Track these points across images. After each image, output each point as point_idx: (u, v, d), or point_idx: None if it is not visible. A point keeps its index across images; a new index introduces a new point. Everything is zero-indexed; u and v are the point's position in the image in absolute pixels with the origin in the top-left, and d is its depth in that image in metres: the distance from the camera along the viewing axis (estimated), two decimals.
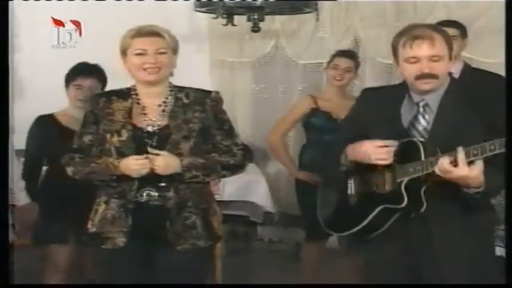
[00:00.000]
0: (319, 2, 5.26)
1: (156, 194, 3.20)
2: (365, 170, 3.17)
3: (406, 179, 3.01)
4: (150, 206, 3.21)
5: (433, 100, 3.09)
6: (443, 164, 2.82)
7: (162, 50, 3.22)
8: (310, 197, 3.92)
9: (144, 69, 3.22)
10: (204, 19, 6.13)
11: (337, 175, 3.24)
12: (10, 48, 3.64)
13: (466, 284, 3.08)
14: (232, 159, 3.29)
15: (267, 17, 5.17)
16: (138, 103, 3.29)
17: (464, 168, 2.80)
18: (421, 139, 3.04)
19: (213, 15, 5.18)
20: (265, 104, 6.61)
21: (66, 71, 4.37)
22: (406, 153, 3.02)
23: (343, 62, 4.81)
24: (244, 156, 3.34)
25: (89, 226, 3.31)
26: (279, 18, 6.23)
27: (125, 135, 3.21)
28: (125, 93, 3.32)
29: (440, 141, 2.96)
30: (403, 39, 3.06)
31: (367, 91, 3.45)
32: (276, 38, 6.51)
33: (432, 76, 3.01)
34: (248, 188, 5.69)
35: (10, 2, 3.42)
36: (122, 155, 3.19)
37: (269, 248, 6.61)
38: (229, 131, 3.35)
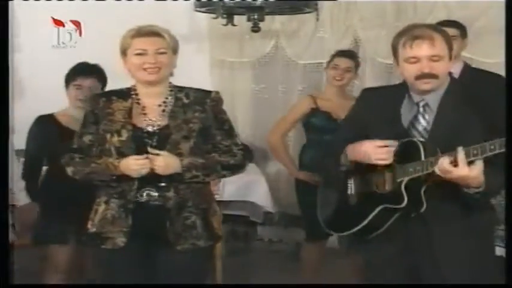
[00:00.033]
0: (319, 2, 5.26)
1: (156, 194, 3.20)
2: (365, 170, 3.17)
3: (406, 179, 3.01)
4: (150, 206, 3.21)
5: (433, 100, 3.09)
6: (443, 164, 2.82)
7: (162, 50, 3.22)
8: (310, 197, 3.92)
9: (144, 69, 3.22)
10: (204, 19, 6.13)
11: (337, 175, 3.24)
12: (10, 48, 3.64)
13: (466, 284, 3.08)
14: (232, 159, 3.29)
15: (267, 17, 5.17)
16: (138, 103, 3.29)
17: (464, 168, 2.80)
18: (421, 139, 3.04)
19: (213, 15, 5.19)
20: (265, 104, 6.61)
21: (66, 71, 4.37)
22: (406, 153, 3.02)
23: (343, 62, 4.82)
24: (244, 156, 3.34)
25: (89, 226, 3.31)
26: (279, 18, 6.23)
27: (125, 135, 3.21)
28: (125, 93, 3.32)
29: (440, 141, 2.96)
30: (403, 39, 3.06)
31: (366, 91, 3.45)
32: (276, 38, 6.51)
33: (432, 76, 3.01)
34: (248, 188, 5.69)
35: (10, 2, 3.42)
36: (122, 155, 3.19)
37: (269, 248, 6.61)
38: (229, 131, 3.35)
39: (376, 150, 3.04)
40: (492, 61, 5.42)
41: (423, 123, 3.09)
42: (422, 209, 3.00)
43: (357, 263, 4.36)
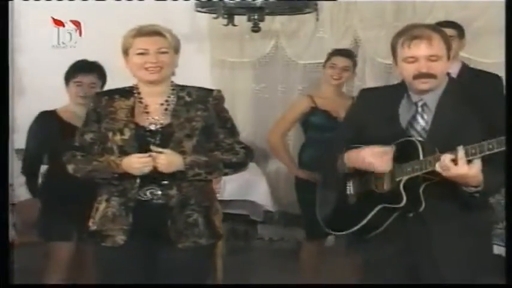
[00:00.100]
0: (318, 3, 5.26)
1: (160, 192, 3.21)
2: (364, 170, 3.17)
3: (404, 178, 3.02)
4: (152, 204, 3.21)
5: (432, 100, 3.11)
6: (445, 160, 2.84)
7: (163, 50, 3.22)
8: (310, 195, 3.92)
9: (146, 69, 3.22)
10: (204, 19, 6.14)
11: (336, 174, 3.24)
12: (10, 48, 3.65)
13: (466, 284, 3.09)
14: (235, 157, 3.30)
15: (267, 17, 5.18)
16: (141, 102, 3.30)
17: (464, 167, 2.81)
18: (420, 139, 3.05)
19: (214, 16, 5.20)
20: (265, 104, 6.65)
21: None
22: (404, 153, 3.03)
23: (341, 61, 4.83)
24: (246, 155, 3.35)
25: (90, 224, 3.32)
26: (279, 19, 6.25)
27: (127, 133, 3.22)
28: (127, 92, 3.33)
29: (438, 141, 2.97)
30: (401, 39, 3.08)
31: (365, 91, 3.48)
32: (276, 38, 6.53)
33: (430, 76, 3.03)
34: (248, 187, 5.71)
35: (10, 2, 3.43)
36: (124, 153, 3.19)
37: (269, 247, 6.62)
38: (232, 130, 3.36)
39: (375, 159, 3.04)
40: (490, 61, 5.44)
41: (422, 123, 3.10)
42: (421, 208, 3.01)
43: (356, 262, 4.36)
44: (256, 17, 4.98)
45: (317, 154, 4.24)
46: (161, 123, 3.25)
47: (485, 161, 2.83)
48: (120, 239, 3.21)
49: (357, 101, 3.43)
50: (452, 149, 2.87)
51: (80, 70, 4.33)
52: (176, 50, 3.29)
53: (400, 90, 3.19)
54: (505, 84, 2.88)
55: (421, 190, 3.00)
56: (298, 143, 5.42)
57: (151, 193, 3.21)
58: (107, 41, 4.12)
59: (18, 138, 4.25)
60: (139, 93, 3.31)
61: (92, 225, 3.30)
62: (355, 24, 6.18)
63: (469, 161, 2.82)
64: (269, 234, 6.71)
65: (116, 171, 3.18)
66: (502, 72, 4.29)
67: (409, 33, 3.06)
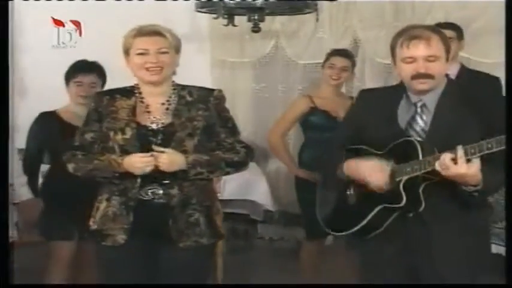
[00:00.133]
0: (318, 3, 5.27)
1: (161, 191, 3.21)
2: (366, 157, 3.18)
3: (404, 178, 3.03)
4: (152, 203, 3.22)
5: (431, 101, 3.12)
6: (446, 159, 2.85)
7: (163, 50, 3.23)
8: (310, 195, 3.93)
9: (147, 69, 3.23)
10: (204, 19, 6.15)
11: (335, 175, 3.24)
12: (10, 48, 3.65)
13: (466, 284, 3.09)
14: (236, 156, 3.31)
15: (267, 18, 5.19)
16: (142, 101, 3.31)
17: (463, 166, 2.83)
18: (419, 139, 3.07)
19: (214, 16, 5.21)
20: (265, 103, 6.67)
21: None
22: (404, 153, 3.04)
23: (340, 61, 4.84)
24: (247, 154, 3.36)
25: (90, 223, 3.32)
26: (279, 19, 6.26)
27: (129, 133, 3.23)
28: (129, 92, 3.33)
29: (438, 142, 2.98)
30: (400, 39, 3.09)
31: (364, 92, 3.50)
32: (276, 38, 6.55)
33: (428, 76, 3.04)
34: (249, 186, 5.72)
35: (10, 2, 3.44)
36: (125, 152, 3.20)
37: (269, 246, 6.63)
38: (233, 129, 3.37)
39: (371, 174, 3.07)
40: (490, 61, 5.45)
41: (421, 123, 3.12)
42: (421, 208, 3.02)
43: (356, 261, 4.36)
44: (256, 17, 4.99)
45: (317, 154, 4.25)
46: (163, 123, 3.26)
47: (484, 160, 2.85)
48: (121, 238, 3.22)
49: (356, 102, 3.45)
50: (451, 149, 2.88)
51: (80, 70, 4.34)
52: (177, 49, 3.30)
53: (399, 91, 3.20)
54: (505, 84, 2.89)
55: (420, 190, 3.01)
56: (298, 143, 5.43)
57: (152, 192, 3.22)
58: (107, 41, 4.12)
59: (20, 138, 4.26)
60: (140, 92, 3.32)
61: (93, 225, 3.31)
62: (354, 24, 6.18)
63: (468, 160, 2.83)
64: (269, 233, 6.72)
65: (117, 170, 3.18)
66: (501, 72, 4.31)
67: (408, 33, 3.08)
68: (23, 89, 5.98)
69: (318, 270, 4.91)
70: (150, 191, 3.21)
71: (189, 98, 3.31)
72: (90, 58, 4.42)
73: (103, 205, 3.28)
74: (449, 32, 4.37)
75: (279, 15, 5.70)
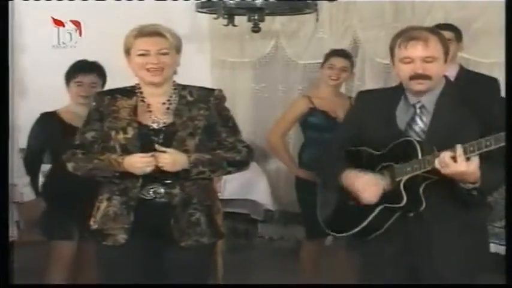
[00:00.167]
0: (318, 3, 5.28)
1: (163, 191, 3.22)
2: (363, 170, 3.19)
3: (404, 178, 3.04)
4: (154, 202, 3.23)
5: (430, 102, 3.14)
6: (445, 157, 2.87)
7: (164, 51, 3.23)
8: (310, 195, 3.92)
9: (147, 70, 3.24)
10: (205, 19, 6.16)
11: (336, 183, 3.25)
12: (10, 48, 3.65)
13: (466, 284, 3.10)
14: (238, 156, 3.32)
15: (267, 18, 5.20)
16: (143, 101, 3.31)
17: (462, 164, 2.84)
18: (418, 139, 3.08)
19: (214, 16, 5.22)
20: (265, 103, 6.68)
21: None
22: (403, 153, 3.06)
23: (339, 62, 4.84)
24: (248, 153, 3.37)
25: (91, 223, 3.33)
26: (279, 19, 6.27)
27: (131, 132, 3.23)
28: (130, 92, 3.34)
29: (437, 142, 3.00)
30: (399, 40, 3.12)
31: (362, 93, 3.52)
32: (276, 38, 6.56)
33: (425, 77, 3.06)
34: (249, 186, 5.73)
35: (10, 2, 3.44)
36: (126, 152, 3.21)
37: (270, 246, 6.64)
38: (234, 128, 3.38)
39: (364, 188, 3.09)
40: (489, 61, 5.45)
41: (420, 124, 3.13)
42: (422, 208, 3.04)
43: (356, 261, 4.36)
44: (256, 17, 5.00)
45: (317, 154, 4.25)
46: (164, 122, 3.27)
47: (482, 158, 2.86)
48: (122, 237, 3.22)
49: (354, 104, 3.48)
50: (450, 149, 2.89)
51: (80, 70, 4.35)
52: (177, 49, 3.30)
53: (397, 92, 3.22)
54: (505, 85, 2.90)
55: (421, 189, 3.03)
56: (298, 143, 5.43)
57: (154, 192, 3.22)
58: (107, 41, 4.13)
59: (22, 138, 4.26)
60: (141, 92, 3.33)
61: (93, 224, 3.31)
62: (354, 24, 6.19)
63: (468, 158, 2.85)
64: (269, 233, 6.73)
65: (117, 169, 3.18)
66: (500, 72, 4.32)
67: (407, 34, 3.10)
68: (23, 89, 5.98)
69: (318, 270, 4.91)
70: (151, 190, 3.22)
71: (189, 98, 3.32)
72: (90, 58, 4.42)
73: (104, 205, 3.28)
74: (448, 33, 4.39)
75: (279, 15, 5.71)
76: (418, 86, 3.08)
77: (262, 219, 6.28)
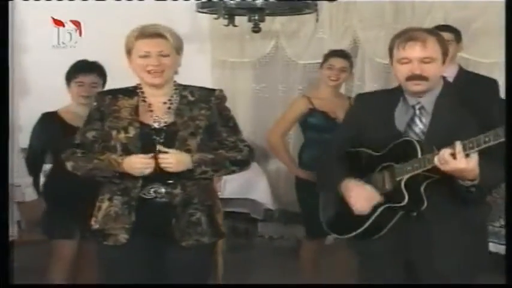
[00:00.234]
0: (318, 3, 5.28)
1: (164, 190, 3.22)
2: (364, 171, 3.20)
3: (405, 177, 3.06)
4: (155, 202, 3.23)
5: (429, 103, 3.16)
6: (445, 154, 2.88)
7: (165, 53, 3.24)
8: (310, 195, 3.93)
9: (148, 72, 3.24)
10: (205, 20, 6.16)
11: (334, 185, 3.25)
12: (10, 48, 3.65)
13: (466, 284, 3.11)
14: (240, 155, 3.33)
15: (268, 18, 5.21)
16: (144, 101, 3.32)
17: (462, 160, 2.86)
18: (418, 139, 3.09)
19: (215, 16, 5.22)
20: (265, 103, 6.69)
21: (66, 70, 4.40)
22: (403, 153, 3.08)
23: (338, 62, 4.84)
24: (249, 152, 3.38)
25: (92, 223, 3.34)
26: (279, 19, 6.28)
27: (132, 132, 3.24)
28: (131, 92, 3.35)
29: (436, 143, 3.01)
30: (397, 41, 3.14)
31: (361, 96, 3.55)
32: (276, 38, 6.57)
33: (422, 78, 3.08)
34: (249, 185, 5.74)
35: (10, 2, 3.44)
36: (127, 151, 3.21)
37: (270, 245, 6.64)
38: (234, 128, 3.39)
39: (359, 200, 3.13)
40: (489, 61, 5.46)
41: (420, 125, 3.16)
42: (423, 207, 3.05)
43: (356, 260, 4.36)
44: (256, 17, 5.01)
45: (317, 154, 4.26)
46: (165, 122, 3.27)
47: (481, 155, 2.87)
48: (123, 237, 3.23)
49: (353, 106, 3.51)
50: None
51: (81, 70, 4.36)
52: (178, 50, 3.31)
53: (395, 94, 3.24)
54: (505, 85, 2.90)
55: (422, 188, 3.04)
56: (298, 143, 5.44)
57: (155, 191, 3.23)
58: (107, 41, 4.13)
59: (24, 138, 4.27)
60: (142, 92, 3.34)
61: (94, 224, 3.32)
62: (354, 24, 6.19)
63: (467, 155, 2.86)
64: (269, 232, 6.74)
65: (116, 170, 3.18)
66: (500, 72, 4.32)
67: (406, 35, 3.13)
68: (25, 89, 5.98)
69: (318, 270, 4.91)
70: (152, 189, 3.23)
71: (190, 98, 3.33)
72: (90, 58, 4.43)
73: (105, 204, 3.29)
74: (447, 34, 4.40)
75: (279, 15, 5.72)
76: (415, 86, 3.10)
77: (262, 218, 6.29)
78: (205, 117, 3.29)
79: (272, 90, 6.68)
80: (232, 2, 4.93)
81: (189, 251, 3.25)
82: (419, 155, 3.01)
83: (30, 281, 4.21)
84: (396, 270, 3.20)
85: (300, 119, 4.92)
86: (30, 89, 6.03)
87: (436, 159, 2.91)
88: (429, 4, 5.84)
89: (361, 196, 3.12)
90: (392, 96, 3.24)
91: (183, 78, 3.39)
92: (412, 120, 3.15)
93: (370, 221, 3.15)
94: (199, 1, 5.21)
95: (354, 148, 3.28)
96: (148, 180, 3.21)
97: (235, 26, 5.20)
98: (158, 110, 3.30)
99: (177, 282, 3.31)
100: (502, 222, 4.96)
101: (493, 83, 4.64)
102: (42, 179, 4.40)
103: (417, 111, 3.15)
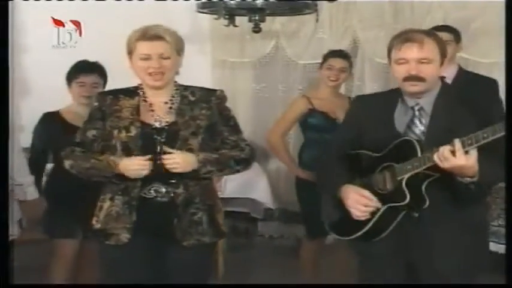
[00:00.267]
0: (318, 3, 5.28)
1: (164, 190, 3.23)
2: (364, 172, 3.21)
3: (406, 176, 3.07)
4: (155, 202, 3.24)
5: (428, 104, 3.18)
6: (444, 151, 2.89)
7: (165, 55, 3.24)
8: (310, 194, 3.93)
9: (149, 74, 3.25)
10: (206, 20, 6.17)
11: (334, 190, 3.26)
12: (10, 48, 3.65)
13: (466, 284, 3.11)
14: (243, 154, 3.34)
15: (268, 18, 5.22)
16: (145, 101, 3.34)
17: (462, 157, 2.87)
18: (417, 139, 3.09)
19: (215, 16, 5.22)
20: (265, 103, 6.70)
21: (66, 71, 4.41)
22: (403, 152, 3.08)
23: (338, 63, 4.85)
24: (251, 151, 3.39)
25: (94, 222, 3.34)
26: (279, 19, 6.29)
27: (133, 131, 3.25)
28: (132, 92, 3.36)
29: (437, 143, 3.00)
30: (395, 42, 3.16)
31: (359, 98, 3.58)
32: (276, 38, 6.57)
33: (419, 79, 3.09)
34: (249, 185, 5.75)
35: (10, 2, 3.44)
36: (127, 150, 3.22)
37: (270, 244, 6.65)
38: (235, 127, 3.40)
39: (356, 208, 3.14)
40: (488, 61, 5.46)
41: (420, 126, 3.17)
42: (425, 206, 3.05)
43: (356, 260, 4.36)
44: (257, 17, 5.01)
45: (317, 155, 4.26)
46: (166, 121, 3.28)
47: (480, 153, 2.88)
48: (124, 237, 3.24)
49: (352, 108, 3.51)
50: None
51: (82, 70, 4.37)
52: (179, 52, 3.32)
53: (394, 96, 3.26)
54: (505, 85, 2.91)
55: (423, 187, 3.05)
56: (298, 143, 5.44)
57: (155, 191, 3.24)
58: (107, 41, 4.14)
59: (25, 138, 4.28)
60: (143, 92, 3.35)
61: (96, 224, 3.33)
62: (354, 24, 6.20)
63: (466, 152, 2.87)
64: (269, 231, 6.75)
65: (113, 171, 3.19)
66: (499, 72, 4.33)
67: (403, 36, 3.14)
68: (26, 89, 5.98)
69: (318, 269, 4.91)
70: (152, 189, 3.23)
71: (191, 98, 3.34)
72: (90, 58, 4.44)
73: (107, 204, 3.30)
74: (446, 34, 4.41)
75: (279, 15, 5.73)
76: (411, 87, 3.11)
77: (262, 217, 6.30)
78: (206, 116, 3.30)
79: (272, 90, 6.69)
80: (232, 2, 4.94)
81: (190, 251, 3.25)
82: (419, 154, 3.02)
83: (31, 281, 4.22)
84: (396, 270, 3.21)
85: (299, 119, 4.92)
86: (31, 89, 6.04)
87: (435, 156, 2.92)
88: (428, 4, 5.84)
89: (359, 202, 3.13)
90: (391, 97, 3.25)
91: (183, 78, 3.40)
92: (411, 121, 3.17)
93: (372, 222, 3.15)
94: (199, 1, 5.21)
95: (354, 150, 3.29)
96: (148, 179, 3.21)
97: (236, 26, 5.21)
98: (159, 109, 3.31)
99: (178, 282, 3.32)
100: (501, 221, 4.98)
101: (493, 83, 4.64)
102: (44, 178, 4.42)
103: (416, 113, 3.17)
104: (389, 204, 3.12)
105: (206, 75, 6.51)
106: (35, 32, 6.06)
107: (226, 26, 5.18)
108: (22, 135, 4.19)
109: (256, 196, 5.81)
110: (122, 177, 3.21)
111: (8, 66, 3.25)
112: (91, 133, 3.32)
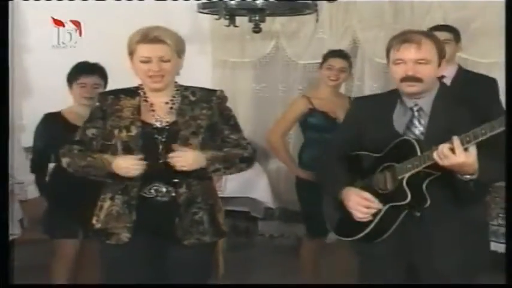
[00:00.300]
0: (318, 3, 5.29)
1: (164, 189, 3.24)
2: (365, 172, 3.22)
3: (406, 175, 3.07)
4: (155, 201, 3.25)
5: (427, 104, 3.18)
6: (443, 149, 2.90)
7: (165, 58, 3.24)
8: (310, 194, 3.93)
9: (149, 77, 3.26)
10: (206, 20, 6.17)
11: (335, 192, 3.26)
12: (10, 48, 3.65)
13: (466, 283, 3.12)
14: (246, 152, 3.36)
15: (268, 18, 5.24)
16: (146, 101, 3.34)
17: (461, 155, 2.87)
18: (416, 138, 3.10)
19: (216, 17, 5.23)
20: (266, 103, 6.71)
21: (66, 71, 4.41)
22: (402, 152, 3.09)
23: (337, 63, 4.85)
24: (253, 149, 3.40)
25: (94, 222, 3.35)
26: (279, 20, 6.30)
27: (134, 131, 3.26)
28: (133, 92, 3.37)
29: (436, 143, 3.00)
30: (394, 42, 3.17)
31: (358, 99, 3.60)
32: (276, 38, 6.59)
33: (416, 79, 3.10)
34: (249, 184, 5.76)
35: (10, 2, 3.44)
36: (128, 149, 3.23)
37: (270, 243, 6.65)
38: (236, 126, 3.41)
39: (358, 210, 3.15)
40: (488, 61, 5.46)
41: (419, 127, 3.18)
42: (427, 204, 3.06)
43: (356, 259, 4.36)
44: (257, 18, 5.03)
45: (317, 154, 4.26)
46: (167, 121, 3.29)
47: (480, 150, 2.88)
48: (125, 236, 3.25)
49: (351, 109, 3.52)
50: None
51: (82, 71, 4.37)
52: (180, 54, 3.32)
53: (393, 97, 3.26)
54: (505, 84, 2.92)
55: (424, 186, 3.06)
56: (298, 143, 5.45)
57: (155, 190, 3.24)
58: (107, 41, 4.14)
59: (26, 138, 4.28)
60: (144, 92, 3.36)
61: (97, 223, 3.33)
62: (354, 24, 6.21)
63: (466, 150, 2.88)
64: (270, 230, 6.76)
65: (107, 169, 3.20)
66: (499, 72, 4.33)
67: (402, 37, 3.15)
68: (27, 89, 5.99)
69: (318, 269, 4.91)
70: (153, 188, 3.24)
71: (192, 98, 3.34)
72: (90, 58, 4.44)
73: (107, 204, 3.30)
74: (446, 34, 4.41)
75: (280, 15, 5.74)
76: (408, 88, 3.12)
77: (263, 217, 6.31)
78: (206, 116, 3.31)
79: (272, 90, 6.70)
80: (233, 2, 4.95)
81: (191, 250, 3.26)
82: (419, 152, 3.03)
83: (31, 280, 4.23)
84: (396, 270, 3.21)
85: (300, 119, 4.92)
86: (31, 89, 6.04)
87: (435, 154, 2.92)
88: (428, 4, 5.85)
89: (360, 204, 3.14)
90: (390, 98, 3.26)
91: (184, 79, 3.40)
92: (411, 122, 3.18)
93: (374, 223, 3.15)
94: (200, 1, 5.22)
95: (354, 151, 3.30)
96: (149, 179, 3.22)
97: (236, 26, 5.21)
98: (160, 109, 3.32)
99: (178, 281, 3.32)
100: (500, 220, 4.99)
101: (492, 82, 4.65)
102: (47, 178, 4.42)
103: (415, 113, 3.17)
104: (390, 204, 3.12)
105: (207, 75, 6.51)
106: (35, 32, 6.06)
107: (227, 26, 5.19)
108: (23, 135, 4.19)
109: (256, 195, 5.82)
110: (115, 176, 3.21)
111: (8, 66, 3.25)
112: (91, 132, 3.33)
